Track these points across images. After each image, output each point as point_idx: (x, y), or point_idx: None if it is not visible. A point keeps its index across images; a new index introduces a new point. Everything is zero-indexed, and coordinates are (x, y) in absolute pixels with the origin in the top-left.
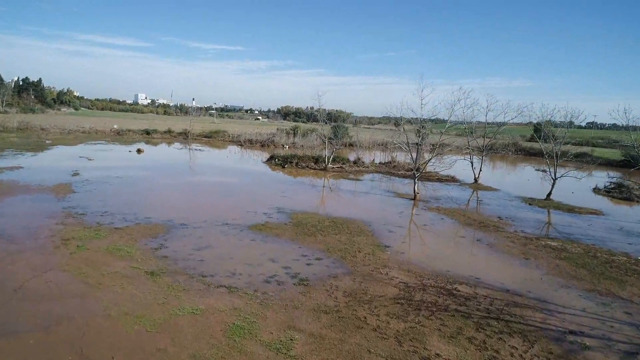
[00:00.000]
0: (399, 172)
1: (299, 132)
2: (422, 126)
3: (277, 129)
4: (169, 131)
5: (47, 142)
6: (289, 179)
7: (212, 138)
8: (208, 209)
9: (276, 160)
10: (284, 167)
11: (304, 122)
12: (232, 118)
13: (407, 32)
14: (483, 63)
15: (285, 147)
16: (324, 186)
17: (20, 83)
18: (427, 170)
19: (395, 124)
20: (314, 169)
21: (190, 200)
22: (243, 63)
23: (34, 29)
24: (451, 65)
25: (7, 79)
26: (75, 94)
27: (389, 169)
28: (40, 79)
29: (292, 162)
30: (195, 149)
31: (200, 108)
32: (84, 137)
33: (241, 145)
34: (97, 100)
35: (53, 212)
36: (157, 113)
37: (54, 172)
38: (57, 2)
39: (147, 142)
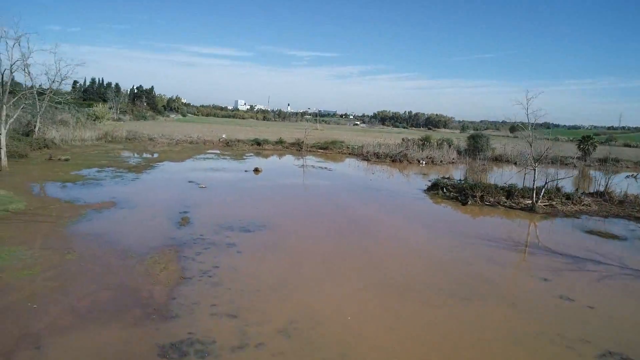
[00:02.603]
0: None
1: (433, 143)
2: None
3: (403, 140)
4: (281, 141)
5: (154, 155)
6: (507, 234)
7: (328, 149)
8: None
9: (444, 190)
10: (464, 203)
11: (404, 127)
12: (329, 124)
13: (509, 32)
14: (597, 61)
15: (422, 164)
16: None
17: (135, 91)
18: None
19: (510, 130)
20: (510, 207)
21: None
22: (335, 68)
23: (149, 43)
24: (556, 65)
25: (122, 88)
26: (182, 100)
27: (613, 205)
28: (152, 87)
29: (475, 196)
30: (319, 167)
31: (296, 113)
32: (192, 148)
33: (367, 160)
34: (202, 106)
35: None
36: (257, 119)
37: (155, 214)
38: (170, 17)
39: (258, 154)
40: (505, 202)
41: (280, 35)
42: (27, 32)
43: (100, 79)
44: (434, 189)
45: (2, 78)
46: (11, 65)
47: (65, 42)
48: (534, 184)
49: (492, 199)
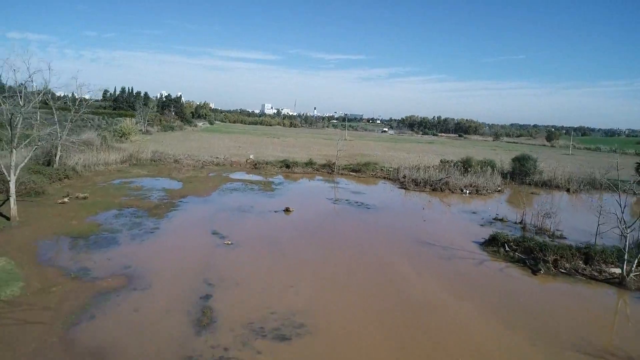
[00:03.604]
0: None
1: (475, 167)
2: None
3: (442, 162)
4: (310, 163)
5: (178, 186)
6: (604, 337)
7: (360, 172)
8: None
9: (506, 248)
10: (534, 272)
11: (434, 134)
12: (357, 129)
13: (539, 32)
14: (633, 62)
15: (466, 193)
16: None
17: (163, 100)
18: None
19: (547, 138)
20: (591, 277)
21: None
22: (362, 71)
23: (180, 47)
24: (589, 66)
25: (152, 94)
26: (210, 106)
27: None
28: (180, 95)
29: (547, 261)
30: (355, 202)
31: (323, 117)
32: (218, 173)
33: (405, 188)
34: (229, 112)
35: None
36: (283, 125)
37: (170, 304)
38: (202, 23)
39: (287, 177)
40: (585, 269)
41: (308, 38)
42: (40, 69)
43: (130, 88)
44: (493, 244)
45: (11, 122)
46: (22, 108)
47: (101, 48)
48: (626, 249)
49: (567, 265)
